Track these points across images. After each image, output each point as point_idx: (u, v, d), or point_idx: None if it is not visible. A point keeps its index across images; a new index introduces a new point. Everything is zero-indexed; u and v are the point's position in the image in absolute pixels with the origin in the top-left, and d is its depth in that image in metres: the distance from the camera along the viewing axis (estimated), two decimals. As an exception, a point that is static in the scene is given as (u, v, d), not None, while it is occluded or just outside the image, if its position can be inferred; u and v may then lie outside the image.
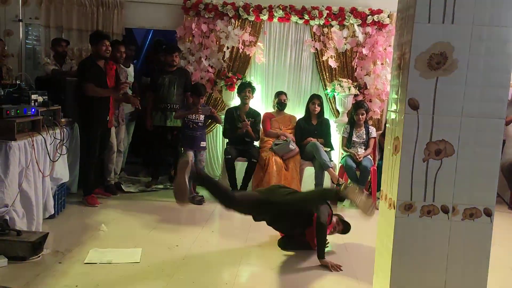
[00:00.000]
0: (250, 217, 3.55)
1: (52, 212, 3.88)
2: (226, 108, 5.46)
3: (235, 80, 5.40)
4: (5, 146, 3.26)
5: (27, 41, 5.51)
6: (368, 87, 5.62)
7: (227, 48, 5.50)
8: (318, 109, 5.28)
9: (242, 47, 5.51)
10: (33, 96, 3.77)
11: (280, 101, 5.41)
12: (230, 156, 5.01)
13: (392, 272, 2.21)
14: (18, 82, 3.92)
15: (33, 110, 3.65)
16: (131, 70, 5.35)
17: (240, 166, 5.11)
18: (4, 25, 5.39)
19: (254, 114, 5.29)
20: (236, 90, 5.34)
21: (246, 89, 5.19)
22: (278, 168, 4.98)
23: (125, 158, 5.60)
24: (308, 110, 5.35)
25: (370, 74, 5.61)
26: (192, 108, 4.93)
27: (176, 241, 3.62)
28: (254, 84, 5.37)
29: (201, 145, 5.05)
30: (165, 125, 5.13)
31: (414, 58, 2.11)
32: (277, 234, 3.72)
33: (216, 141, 5.80)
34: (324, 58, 5.61)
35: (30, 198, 3.47)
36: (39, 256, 3.13)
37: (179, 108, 5.04)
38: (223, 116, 5.36)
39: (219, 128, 5.57)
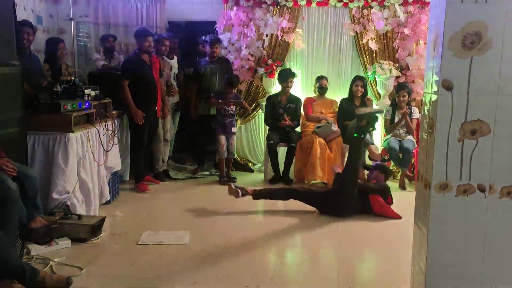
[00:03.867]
0: (292, 202, 3.69)
1: (108, 198, 4.17)
2: (267, 95, 5.57)
3: (275, 67, 5.49)
4: (64, 138, 3.54)
5: (78, 38, 5.84)
6: (410, 68, 5.54)
7: (266, 35, 5.58)
8: (361, 90, 5.27)
9: (281, 34, 5.57)
10: (87, 91, 4.04)
11: (321, 85, 5.46)
12: (272, 142, 5.14)
13: (429, 250, 2.27)
14: (73, 78, 4.21)
15: (87, 104, 3.92)
16: (174, 62, 5.56)
17: (282, 151, 5.22)
18: (57, 24, 5.73)
19: (294, 100, 5.37)
20: (276, 77, 5.43)
21: (288, 79, 5.26)
22: (322, 150, 5.04)
23: (172, 147, 5.85)
24: (351, 92, 5.35)
25: (413, 55, 5.52)
26: (225, 99, 5.09)
27: (221, 224, 3.81)
28: (294, 70, 5.44)
29: (232, 131, 5.24)
30: (208, 114, 5.32)
31: (447, 38, 2.12)
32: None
33: (259, 127, 5.93)
34: (364, 40, 5.57)
35: (87, 186, 3.76)
36: (98, 238, 3.40)
37: (212, 96, 5.20)
38: (264, 103, 5.47)
39: (261, 115, 5.70)
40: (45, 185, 3.47)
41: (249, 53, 5.60)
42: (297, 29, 5.62)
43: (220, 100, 5.10)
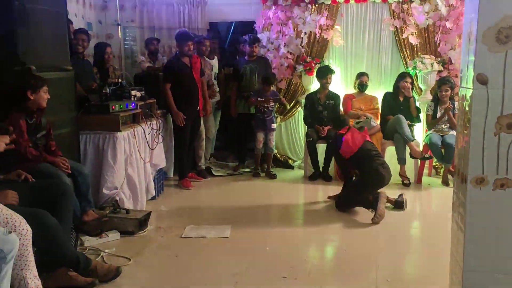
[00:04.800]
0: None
1: (154, 194, 4.38)
2: (306, 93, 5.62)
3: (313, 65, 5.53)
4: (112, 137, 3.76)
5: (125, 42, 6.12)
6: (453, 62, 5.43)
7: (305, 33, 5.63)
8: (411, 86, 5.20)
9: (320, 31, 5.60)
10: (133, 92, 4.26)
11: (362, 82, 5.45)
12: (311, 139, 5.19)
13: (466, 245, 2.27)
14: (120, 80, 4.45)
15: (133, 104, 4.13)
16: (215, 61, 5.72)
17: (322, 148, 5.27)
18: (105, 29, 6.04)
19: (333, 97, 5.39)
20: (315, 74, 5.47)
21: (327, 76, 5.29)
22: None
23: (213, 144, 6.03)
24: (396, 87, 5.27)
25: (455, 48, 5.40)
26: (264, 97, 5.19)
27: (261, 219, 3.92)
28: (332, 67, 5.46)
29: (271, 127, 5.32)
30: (248, 112, 5.44)
31: (481, 33, 2.12)
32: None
33: (298, 124, 6.00)
34: (404, 35, 5.51)
35: (134, 182, 3.97)
36: (145, 231, 3.60)
37: (251, 95, 5.32)
38: (303, 101, 5.53)
39: (300, 112, 5.76)
40: (95, 181, 3.70)
41: (288, 51, 5.67)
42: (336, 26, 5.64)
43: (259, 99, 5.21)
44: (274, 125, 5.38)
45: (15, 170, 2.81)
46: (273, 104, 5.28)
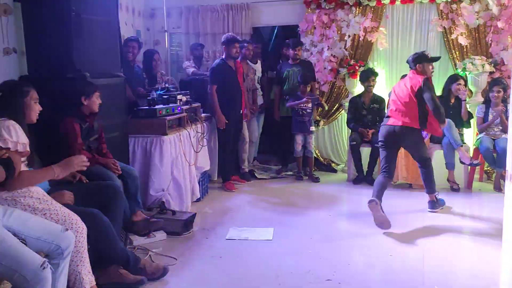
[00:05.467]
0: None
1: (198, 196, 4.48)
2: (349, 96, 5.57)
3: (357, 68, 5.48)
4: (159, 141, 3.89)
5: (171, 48, 6.29)
6: (505, 63, 5.22)
7: (349, 36, 5.59)
8: (464, 88, 5.03)
9: (364, 34, 5.55)
10: (179, 97, 4.39)
11: (406, 85, 5.33)
12: (355, 143, 5.14)
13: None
14: (166, 85, 4.59)
15: (179, 108, 4.26)
16: (258, 66, 5.78)
17: (366, 151, 5.20)
18: (153, 36, 6.24)
19: (378, 100, 5.31)
20: (358, 77, 5.42)
21: (369, 78, 5.23)
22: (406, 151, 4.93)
23: (257, 148, 6.09)
24: (446, 90, 5.11)
25: (508, 49, 5.20)
26: (301, 98, 5.19)
27: (304, 222, 3.92)
28: (376, 70, 5.39)
29: (310, 130, 5.31)
30: (291, 115, 5.45)
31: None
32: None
33: (341, 127, 5.95)
34: (453, 36, 5.36)
35: (180, 184, 4.08)
36: (190, 232, 3.69)
37: (287, 99, 5.33)
38: (347, 104, 5.48)
39: (344, 115, 5.71)
40: (143, 183, 3.83)
41: (331, 55, 5.65)
42: (381, 28, 5.56)
43: (296, 101, 5.22)
44: (312, 128, 5.37)
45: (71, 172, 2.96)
46: (311, 105, 5.27)
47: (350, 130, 5.44)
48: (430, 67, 4.17)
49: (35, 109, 2.48)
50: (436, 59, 4.22)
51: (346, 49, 5.63)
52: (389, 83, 5.70)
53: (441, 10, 5.38)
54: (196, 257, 3.26)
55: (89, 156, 3.12)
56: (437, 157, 4.99)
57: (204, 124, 4.74)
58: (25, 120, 2.40)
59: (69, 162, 2.47)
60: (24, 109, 2.41)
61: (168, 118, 4.01)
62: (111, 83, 3.52)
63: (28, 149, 2.30)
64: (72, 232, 2.24)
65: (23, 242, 1.97)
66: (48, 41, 3.18)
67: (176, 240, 3.55)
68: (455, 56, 5.40)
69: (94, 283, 2.47)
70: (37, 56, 3.26)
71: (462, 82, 5.01)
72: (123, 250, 2.82)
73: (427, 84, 3.86)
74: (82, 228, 2.36)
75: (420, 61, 3.97)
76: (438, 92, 5.21)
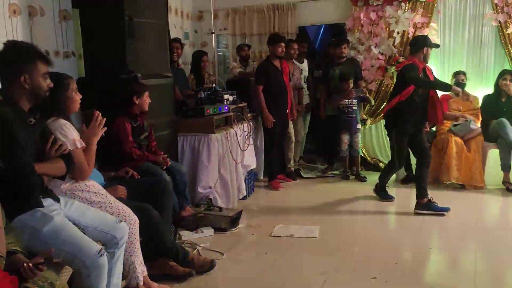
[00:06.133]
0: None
1: (245, 194, 4.55)
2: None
3: (406, 65, 5.35)
4: (207, 139, 4.00)
5: (218, 49, 6.43)
6: None
7: (397, 33, 5.48)
8: (511, 84, 4.82)
9: (413, 30, 5.42)
10: (225, 96, 4.49)
11: (458, 81, 5.16)
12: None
13: None
14: (214, 85, 4.70)
15: (226, 108, 4.35)
16: (305, 65, 5.79)
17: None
18: (201, 38, 6.40)
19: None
20: (407, 74, 5.29)
21: None
22: (459, 150, 4.78)
23: (303, 147, 6.09)
24: (497, 87, 4.93)
25: None
26: (344, 93, 5.12)
27: (350, 220, 3.90)
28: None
29: (356, 128, 5.24)
30: (337, 114, 5.41)
31: None
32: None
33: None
34: (509, 30, 5.12)
35: (227, 182, 4.16)
36: (236, 229, 3.76)
37: (331, 99, 5.29)
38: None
39: (392, 114, 5.59)
40: (191, 180, 3.95)
41: (379, 52, 5.56)
42: (432, 24, 5.41)
43: (339, 97, 5.18)
44: (358, 126, 5.30)
45: (123, 168, 3.11)
46: (356, 102, 5.20)
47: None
48: (430, 52, 4.16)
49: (77, 100, 2.53)
50: (438, 45, 4.26)
51: (394, 46, 5.52)
52: (441, 79, 5.50)
53: (495, 3, 5.16)
54: (243, 253, 3.32)
55: (140, 153, 3.27)
56: (492, 156, 4.80)
57: (251, 123, 4.81)
58: (69, 112, 2.49)
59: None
60: (68, 103, 2.47)
61: (215, 117, 4.10)
62: (160, 83, 3.66)
63: (83, 143, 2.43)
64: (126, 224, 2.36)
65: (82, 231, 2.10)
66: (103, 44, 3.36)
67: (223, 236, 3.63)
68: (511, 51, 5.17)
69: (146, 273, 2.59)
70: (93, 59, 3.45)
71: (508, 77, 4.79)
72: (172, 243, 2.92)
73: (410, 66, 3.98)
74: (135, 220, 2.48)
75: (427, 44, 4.01)
76: (491, 89, 5.02)
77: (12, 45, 2.08)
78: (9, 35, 2.95)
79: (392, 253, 3.22)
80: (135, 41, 3.35)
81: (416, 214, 3.98)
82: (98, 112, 2.51)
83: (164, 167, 3.33)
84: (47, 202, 2.10)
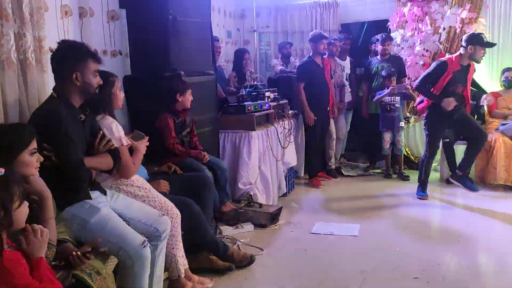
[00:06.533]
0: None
1: (285, 191, 4.57)
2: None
3: (453, 62, 5.18)
4: (248, 136, 4.04)
5: (260, 47, 6.47)
6: None
7: (443, 29, 5.31)
8: None
9: (461, 25, 5.23)
10: (266, 94, 4.52)
11: (508, 78, 4.97)
12: (448, 140, 4.89)
13: None
14: (255, 83, 4.74)
15: (267, 105, 4.38)
16: (347, 62, 5.72)
17: (460, 150, 4.90)
18: (243, 36, 6.46)
19: (475, 96, 5.00)
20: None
21: None
22: (507, 150, 4.59)
23: (344, 145, 6.03)
24: None
25: None
26: (386, 90, 5.02)
27: (391, 219, 3.83)
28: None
29: (399, 125, 5.11)
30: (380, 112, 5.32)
31: None
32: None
33: (435, 125, 5.67)
34: None
35: (267, 178, 4.19)
36: (276, 225, 3.79)
37: (373, 96, 5.19)
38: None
39: (437, 112, 5.44)
40: (232, 176, 4.00)
41: (424, 49, 5.41)
42: (480, 19, 5.21)
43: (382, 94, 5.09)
44: (401, 123, 5.18)
45: (166, 163, 3.21)
46: (399, 99, 5.08)
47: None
48: (482, 51, 4.06)
49: (120, 97, 2.65)
50: (491, 45, 4.17)
51: (440, 43, 5.35)
52: (490, 77, 5.32)
53: (549, -4, 4.91)
54: (282, 249, 3.34)
55: (182, 149, 3.35)
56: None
57: (291, 120, 4.81)
58: (113, 109, 2.59)
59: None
60: (113, 100, 2.58)
61: (256, 114, 4.14)
62: (203, 81, 3.73)
63: (129, 141, 2.53)
64: (168, 218, 2.44)
65: (126, 223, 2.19)
66: (148, 43, 3.46)
67: (263, 232, 3.66)
68: None
69: (187, 266, 2.67)
70: (139, 57, 3.56)
71: None
72: (212, 237, 2.99)
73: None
74: (177, 214, 2.55)
75: (473, 42, 3.92)
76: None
77: (65, 45, 2.20)
78: (61, 35, 3.08)
79: (435, 253, 3.14)
80: (178, 40, 3.43)
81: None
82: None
83: (204, 162, 3.40)
84: (95, 194, 2.21)
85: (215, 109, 3.99)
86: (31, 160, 1.71)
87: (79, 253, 1.72)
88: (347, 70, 5.70)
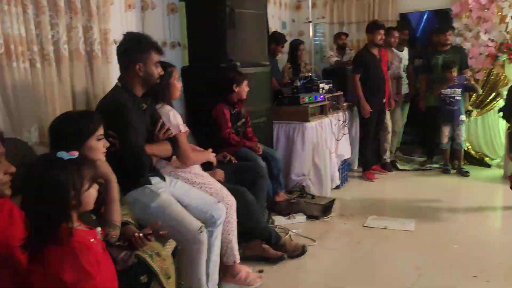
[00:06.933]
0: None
1: (338, 183, 4.53)
2: (509, 84, 5.01)
3: (520, 52, 4.90)
4: (302, 127, 4.04)
5: (315, 38, 6.39)
6: None
7: (511, 18, 5.02)
8: None
9: (530, 13, 4.92)
10: (321, 85, 4.48)
11: None
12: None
13: None
14: (309, 74, 4.72)
15: (321, 96, 4.35)
16: (405, 54, 5.54)
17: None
18: (298, 27, 6.42)
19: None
20: (521, 63, 4.85)
21: None
22: None
23: (400, 138, 5.86)
24: None
25: None
26: (446, 81, 4.80)
27: (448, 216, 3.70)
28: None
29: (460, 119, 4.89)
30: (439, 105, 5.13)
31: None
32: None
33: (498, 118, 5.37)
34: None
35: (320, 170, 4.17)
36: (328, 217, 3.77)
37: (434, 88, 4.99)
38: (505, 93, 4.94)
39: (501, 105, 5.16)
40: (285, 167, 4.02)
41: (489, 39, 5.14)
42: (552, 6, 4.87)
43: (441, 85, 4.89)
44: (462, 117, 4.95)
45: (222, 153, 3.28)
46: (460, 91, 4.85)
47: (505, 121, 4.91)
48: None
49: (178, 87, 2.72)
50: None
51: (507, 32, 5.06)
52: None
53: None
54: (334, 241, 3.33)
55: (237, 139, 3.41)
56: None
57: (346, 112, 4.75)
58: (171, 98, 2.68)
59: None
60: (171, 89, 2.66)
61: (310, 105, 4.13)
62: (258, 72, 3.75)
63: (187, 128, 2.61)
64: (224, 205, 2.50)
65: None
66: (206, 35, 3.53)
67: (315, 223, 3.66)
68: None
69: (240, 252, 2.72)
70: (197, 49, 3.65)
71: None
72: (265, 226, 3.03)
73: None
74: (232, 201, 2.61)
75: None
76: None
77: (130, 36, 2.30)
78: (124, 28, 3.21)
79: (497, 252, 3.01)
80: (235, 31, 3.47)
81: None
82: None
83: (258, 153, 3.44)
84: (155, 180, 2.30)
85: (270, 100, 4.01)
86: (98, 146, 1.82)
87: (141, 234, 1.81)
88: (405, 62, 5.52)
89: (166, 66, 2.62)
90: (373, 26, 4.81)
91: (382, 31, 4.76)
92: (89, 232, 1.34)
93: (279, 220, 3.63)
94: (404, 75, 5.48)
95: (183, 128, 2.58)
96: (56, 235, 1.22)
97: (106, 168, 1.82)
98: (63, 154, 1.28)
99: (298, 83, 4.36)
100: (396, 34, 5.19)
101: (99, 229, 1.41)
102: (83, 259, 1.24)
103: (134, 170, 2.19)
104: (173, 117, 2.55)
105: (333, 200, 3.92)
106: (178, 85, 2.73)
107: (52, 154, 1.29)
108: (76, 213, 1.31)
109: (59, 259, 1.22)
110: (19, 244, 1.26)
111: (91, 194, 1.33)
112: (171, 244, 2.19)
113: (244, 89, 3.41)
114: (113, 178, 1.82)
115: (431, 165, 5.35)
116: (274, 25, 5.43)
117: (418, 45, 6.21)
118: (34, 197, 1.23)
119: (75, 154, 1.31)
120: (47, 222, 1.22)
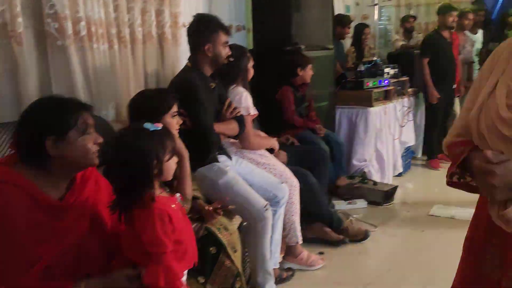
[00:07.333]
0: None
1: (400, 170, 4.42)
2: None
3: None
4: (365, 112, 3.97)
5: (379, 22, 6.21)
6: None
7: None
8: None
9: None
10: (386, 70, 4.37)
11: None
12: None
13: None
14: (374, 58, 4.61)
15: (386, 81, 4.24)
16: (478, 36, 5.26)
17: None
18: (362, 10, 6.26)
19: None
20: None
21: None
22: None
23: (468, 127, 5.60)
24: None
25: None
26: None
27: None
28: None
29: None
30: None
31: None
32: None
33: None
34: None
35: (383, 156, 4.10)
36: (390, 204, 3.71)
37: None
38: None
39: None
40: (347, 152, 3.96)
41: None
42: None
43: None
44: None
45: (285, 135, 3.30)
46: None
47: None
48: None
49: (251, 73, 2.80)
50: None
51: None
52: None
53: None
54: (396, 227, 3.28)
55: (301, 121, 3.42)
56: None
57: (411, 98, 4.60)
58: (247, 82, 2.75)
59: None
60: (247, 73, 2.75)
61: (374, 90, 4.04)
62: (322, 55, 3.72)
63: (256, 111, 2.66)
64: (287, 186, 2.53)
65: (249, 187, 2.33)
66: (271, 18, 3.53)
67: (376, 209, 3.61)
68: None
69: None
70: (261, 32, 3.66)
71: None
72: (327, 210, 3.04)
73: None
74: (295, 183, 2.64)
75: None
76: None
77: (199, 17, 2.38)
78: (193, 12, 3.29)
79: None
80: (300, 14, 3.46)
81: None
82: None
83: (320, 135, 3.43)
84: (222, 158, 2.38)
85: (333, 84, 3.97)
86: (172, 122, 1.90)
87: (211, 208, 1.89)
88: (478, 45, 5.24)
89: (244, 50, 2.72)
90: (445, 8, 4.60)
91: (454, 13, 4.54)
92: (170, 199, 1.42)
93: (340, 205, 3.61)
94: (476, 59, 5.21)
95: (253, 111, 2.63)
96: (141, 199, 1.31)
97: (179, 143, 1.90)
98: (149, 125, 1.37)
99: (362, 67, 4.28)
100: (471, 16, 4.92)
101: (178, 194, 1.48)
102: (160, 228, 1.31)
103: (203, 147, 2.28)
104: (245, 99, 2.61)
105: (395, 187, 3.84)
106: (251, 70, 2.81)
107: (140, 124, 1.38)
108: (158, 182, 1.39)
109: (142, 220, 1.31)
110: (105, 208, 1.37)
111: (171, 165, 1.40)
112: (237, 220, 2.26)
113: (308, 72, 3.39)
114: (185, 154, 1.90)
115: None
116: (337, 9, 5.33)
117: (494, 27, 5.85)
118: (122, 163, 1.32)
119: (160, 125, 1.39)
120: (133, 186, 1.31)
